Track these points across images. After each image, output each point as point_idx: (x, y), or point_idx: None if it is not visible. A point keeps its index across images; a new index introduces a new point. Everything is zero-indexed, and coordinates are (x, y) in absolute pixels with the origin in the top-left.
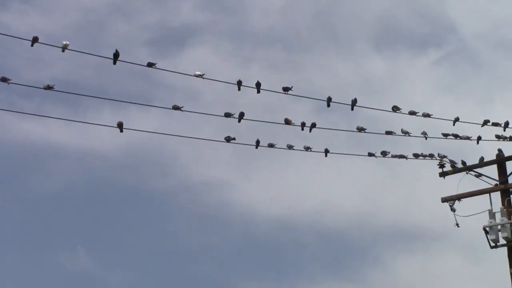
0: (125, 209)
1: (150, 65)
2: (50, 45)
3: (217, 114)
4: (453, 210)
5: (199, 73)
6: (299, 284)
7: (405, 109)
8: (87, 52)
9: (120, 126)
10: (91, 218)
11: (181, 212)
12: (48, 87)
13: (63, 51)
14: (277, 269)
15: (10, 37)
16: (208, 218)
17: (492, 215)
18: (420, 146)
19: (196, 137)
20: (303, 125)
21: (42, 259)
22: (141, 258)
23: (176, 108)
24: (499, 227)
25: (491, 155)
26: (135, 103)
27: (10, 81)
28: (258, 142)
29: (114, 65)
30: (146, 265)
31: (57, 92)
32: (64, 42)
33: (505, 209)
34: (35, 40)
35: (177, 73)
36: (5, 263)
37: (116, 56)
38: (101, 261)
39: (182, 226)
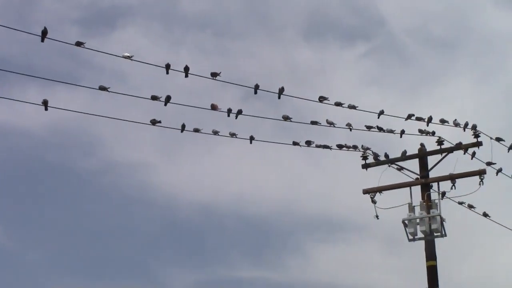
0: (47, 188)
1: (79, 44)
2: None
3: (144, 97)
4: (374, 202)
5: (128, 54)
6: (219, 269)
7: (331, 99)
8: (14, 28)
9: (45, 104)
10: (12, 196)
11: (104, 192)
12: None
13: None
14: (198, 254)
15: None
16: (131, 199)
17: (411, 208)
18: (345, 137)
19: (122, 118)
20: (229, 111)
21: None
22: (61, 237)
23: (103, 88)
24: (417, 220)
25: (413, 149)
26: (62, 82)
27: None
28: (183, 126)
29: (42, 43)
30: (67, 245)
31: None
32: None
33: (424, 203)
34: None
35: (106, 54)
36: None
37: (44, 33)
38: (20, 239)
39: (105, 207)
